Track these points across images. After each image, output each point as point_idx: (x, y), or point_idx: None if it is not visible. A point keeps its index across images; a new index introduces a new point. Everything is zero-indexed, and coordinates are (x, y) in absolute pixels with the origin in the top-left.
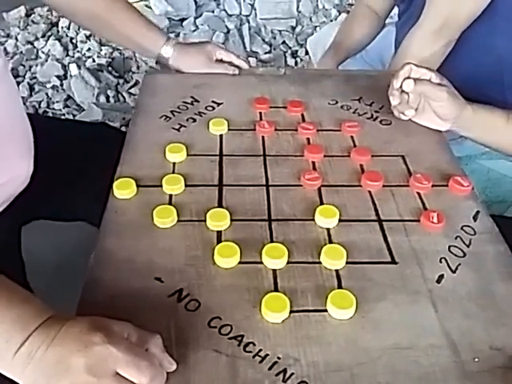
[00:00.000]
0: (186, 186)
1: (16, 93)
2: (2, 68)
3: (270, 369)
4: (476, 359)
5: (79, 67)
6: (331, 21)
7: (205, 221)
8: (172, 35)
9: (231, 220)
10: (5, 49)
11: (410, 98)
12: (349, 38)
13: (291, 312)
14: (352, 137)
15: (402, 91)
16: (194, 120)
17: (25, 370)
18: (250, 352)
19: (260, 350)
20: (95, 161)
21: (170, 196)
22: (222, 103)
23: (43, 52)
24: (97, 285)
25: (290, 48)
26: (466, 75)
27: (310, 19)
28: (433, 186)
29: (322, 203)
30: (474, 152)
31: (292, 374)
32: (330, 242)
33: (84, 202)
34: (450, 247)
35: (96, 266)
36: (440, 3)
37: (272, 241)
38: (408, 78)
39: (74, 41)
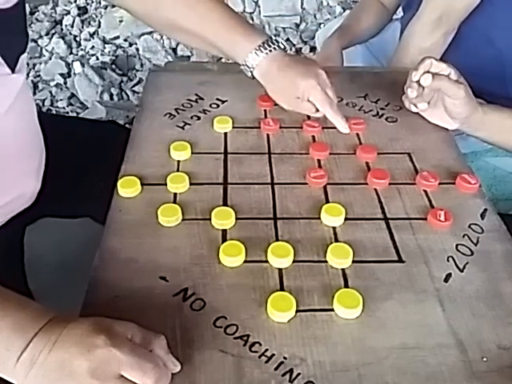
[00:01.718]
0: (191, 184)
1: (33, 111)
2: (22, 85)
3: (276, 369)
4: (484, 359)
5: (83, 65)
6: (335, 17)
7: (210, 219)
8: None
9: (236, 218)
10: None
11: (424, 91)
12: (356, 24)
13: (297, 311)
14: (358, 134)
15: (419, 85)
16: (199, 118)
17: (27, 376)
18: (256, 352)
19: (266, 350)
20: (100, 158)
21: (175, 194)
22: (226, 101)
23: (47, 50)
24: (101, 284)
25: (294, 45)
26: (467, 69)
27: (315, 16)
28: (440, 183)
29: (327, 201)
30: (479, 148)
31: (298, 374)
32: (336, 240)
33: (88, 200)
34: (457, 246)
35: (100, 265)
36: None
37: (277, 239)
38: (427, 72)
39: (77, 39)
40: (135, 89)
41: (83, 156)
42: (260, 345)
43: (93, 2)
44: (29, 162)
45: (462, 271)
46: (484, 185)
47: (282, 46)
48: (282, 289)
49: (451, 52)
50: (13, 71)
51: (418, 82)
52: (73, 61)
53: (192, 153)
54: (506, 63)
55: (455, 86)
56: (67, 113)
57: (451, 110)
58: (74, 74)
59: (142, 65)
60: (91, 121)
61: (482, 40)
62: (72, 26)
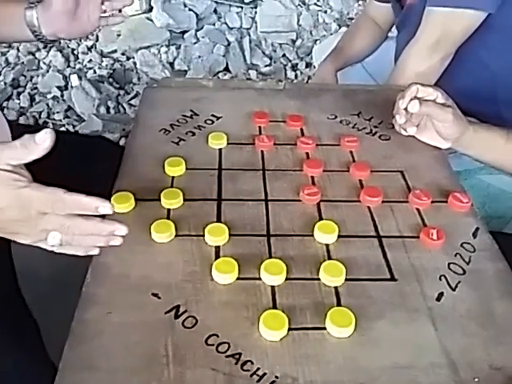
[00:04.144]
0: (185, 200)
1: None
2: None
3: None
4: (476, 379)
5: (80, 78)
6: (331, 34)
7: (203, 236)
8: (173, 47)
9: (230, 235)
10: (6, 59)
11: (412, 116)
12: (350, 46)
13: (290, 330)
14: (351, 152)
15: (407, 111)
16: (194, 134)
17: None
18: (248, 371)
19: (258, 369)
20: (92, 174)
21: (169, 210)
22: (221, 117)
23: (44, 63)
24: (93, 300)
25: (290, 61)
26: (461, 91)
27: (311, 33)
28: (432, 202)
29: (321, 218)
30: (473, 166)
31: None
32: (329, 258)
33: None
34: (449, 264)
35: (92, 280)
36: (435, 19)
37: (271, 256)
38: (414, 98)
39: (75, 52)
40: (132, 102)
41: (75, 171)
42: (252, 363)
43: None
44: None
45: (454, 290)
46: (477, 202)
47: None
48: (274, 306)
49: (445, 73)
50: None
51: (405, 108)
52: (70, 74)
53: (186, 169)
54: (498, 85)
55: (443, 111)
56: (63, 125)
57: (441, 132)
58: (71, 86)
59: (139, 78)
60: (80, 135)
61: (476, 63)
62: (70, 40)
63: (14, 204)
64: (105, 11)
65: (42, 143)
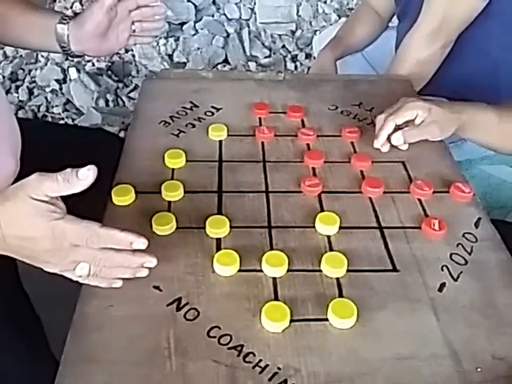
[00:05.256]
0: (185, 192)
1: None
2: None
3: (270, 380)
4: (479, 369)
5: (79, 71)
6: (331, 24)
7: (204, 228)
8: (171, 39)
9: (231, 227)
10: (4, 52)
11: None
12: (350, 34)
13: (291, 321)
14: (352, 142)
15: (389, 141)
16: (193, 125)
17: None
18: (250, 362)
19: (260, 361)
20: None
21: (169, 203)
22: (221, 108)
23: (43, 56)
24: (94, 293)
25: (289, 52)
26: (463, 79)
27: (310, 23)
28: (434, 192)
29: (322, 210)
30: (474, 156)
31: None
32: (331, 249)
33: (81, 209)
34: (451, 255)
35: None
36: (436, 6)
37: (272, 248)
38: (396, 128)
39: None
40: (131, 95)
41: (72, 164)
42: (254, 355)
43: None
44: (3, 138)
45: (456, 280)
46: (478, 192)
47: None
48: (276, 298)
49: (447, 62)
50: None
51: (388, 139)
52: (68, 67)
53: (187, 161)
54: (500, 74)
55: (426, 131)
56: (62, 119)
57: (436, 138)
58: (70, 80)
59: (137, 71)
60: (80, 128)
61: (477, 52)
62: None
63: (48, 235)
64: (134, 31)
65: (84, 179)
